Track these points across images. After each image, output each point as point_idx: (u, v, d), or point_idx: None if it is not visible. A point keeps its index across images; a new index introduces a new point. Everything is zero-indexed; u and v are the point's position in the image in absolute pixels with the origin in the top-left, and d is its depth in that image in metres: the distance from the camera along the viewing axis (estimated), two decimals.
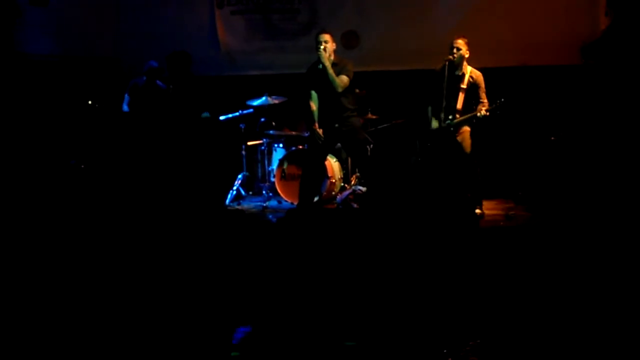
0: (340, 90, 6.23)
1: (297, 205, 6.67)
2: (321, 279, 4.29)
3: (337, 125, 6.38)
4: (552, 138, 7.31)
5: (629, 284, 3.95)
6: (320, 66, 6.22)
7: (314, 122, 6.42)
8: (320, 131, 6.39)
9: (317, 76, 6.33)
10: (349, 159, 7.58)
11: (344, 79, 6.23)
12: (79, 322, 3.61)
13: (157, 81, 7.57)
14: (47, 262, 4.73)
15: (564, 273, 4.29)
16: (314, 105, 6.44)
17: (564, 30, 7.71)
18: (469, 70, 6.46)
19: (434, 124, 6.50)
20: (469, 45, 6.42)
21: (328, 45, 6.25)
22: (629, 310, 3.57)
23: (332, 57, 6.30)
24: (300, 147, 7.44)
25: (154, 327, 3.58)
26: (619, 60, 7.08)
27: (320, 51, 6.17)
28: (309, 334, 3.51)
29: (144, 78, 7.62)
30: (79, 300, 3.93)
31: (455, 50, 6.36)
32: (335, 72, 6.21)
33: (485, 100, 6.36)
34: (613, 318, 3.50)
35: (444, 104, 6.35)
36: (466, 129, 6.43)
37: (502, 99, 6.22)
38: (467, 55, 6.42)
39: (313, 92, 6.44)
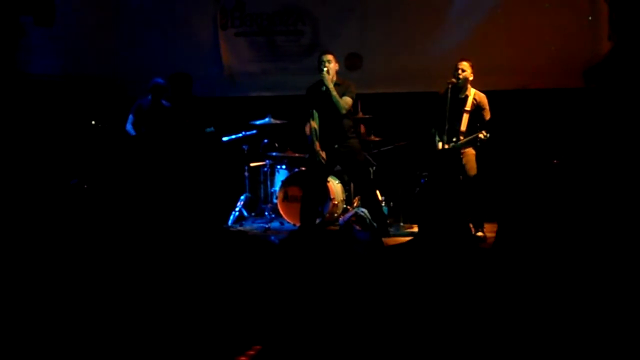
0: (344, 112, 6.23)
1: (299, 226, 6.65)
2: (323, 300, 4.26)
3: (336, 146, 6.37)
4: (555, 161, 7.30)
5: (629, 310, 3.91)
6: (324, 88, 6.21)
7: (315, 142, 6.41)
8: (322, 153, 6.38)
9: (319, 97, 6.32)
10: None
11: (347, 100, 6.23)
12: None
13: (162, 100, 7.55)
14: (44, 280, 4.70)
15: (565, 296, 4.25)
16: (315, 125, 6.41)
17: (566, 53, 7.71)
18: (472, 93, 6.45)
19: (439, 145, 6.49)
20: (473, 67, 6.45)
21: (331, 66, 6.26)
22: (627, 335, 3.54)
23: (334, 78, 6.31)
24: (303, 168, 7.43)
25: (151, 349, 3.54)
26: (622, 83, 7.09)
27: (323, 73, 6.18)
28: (310, 355, 3.47)
29: (149, 97, 7.58)
30: (75, 323, 3.89)
31: (460, 72, 6.36)
32: (338, 92, 6.21)
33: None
34: (611, 339, 3.46)
35: (447, 126, 6.34)
36: (471, 151, 6.43)
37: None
38: (471, 78, 6.42)
39: (315, 112, 6.42)
